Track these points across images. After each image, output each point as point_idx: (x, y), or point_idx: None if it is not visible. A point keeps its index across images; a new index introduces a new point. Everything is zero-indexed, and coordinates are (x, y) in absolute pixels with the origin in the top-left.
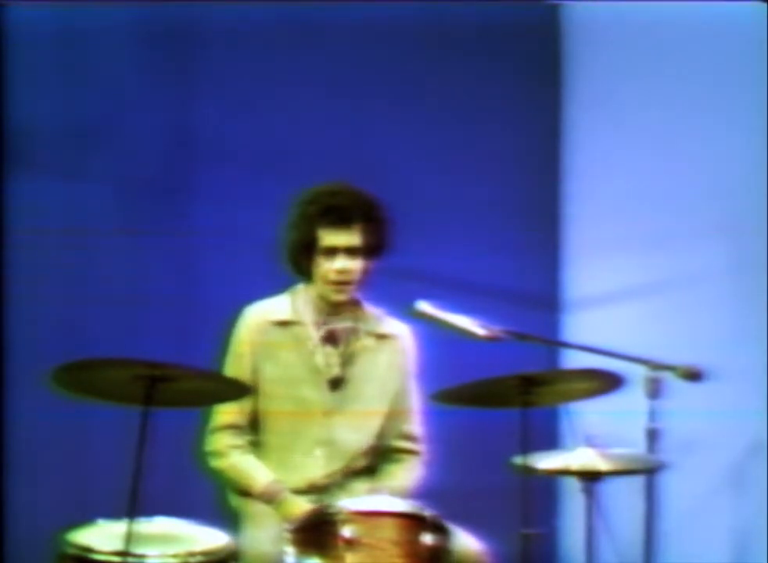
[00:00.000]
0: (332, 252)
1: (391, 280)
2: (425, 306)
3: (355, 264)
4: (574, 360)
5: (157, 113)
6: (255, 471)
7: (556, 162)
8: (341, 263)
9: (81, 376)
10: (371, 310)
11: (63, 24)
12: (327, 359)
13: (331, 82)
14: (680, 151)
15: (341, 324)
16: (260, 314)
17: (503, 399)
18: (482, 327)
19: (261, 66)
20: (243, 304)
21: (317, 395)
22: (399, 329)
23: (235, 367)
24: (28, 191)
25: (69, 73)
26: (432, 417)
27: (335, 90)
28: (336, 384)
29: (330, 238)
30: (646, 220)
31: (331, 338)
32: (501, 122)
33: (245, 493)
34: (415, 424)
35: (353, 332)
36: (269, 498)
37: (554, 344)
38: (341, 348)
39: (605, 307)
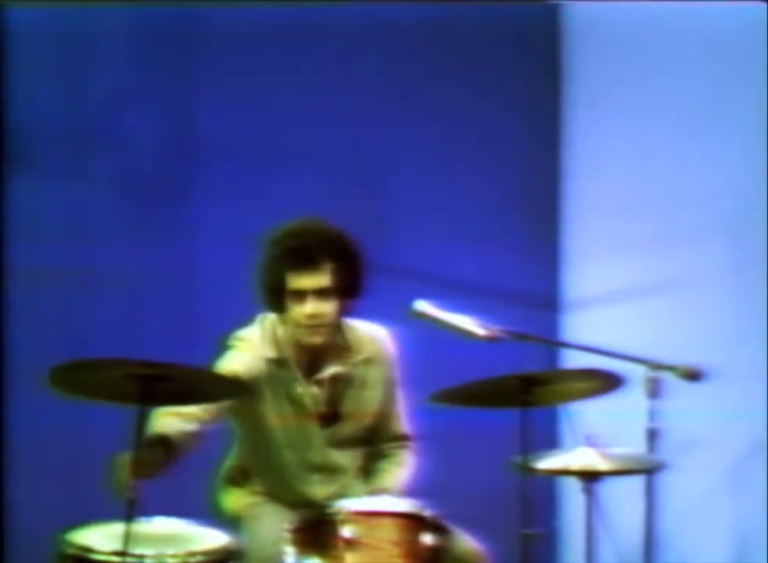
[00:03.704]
0: (301, 295)
1: (390, 280)
2: (424, 306)
3: (327, 307)
4: (574, 360)
5: (157, 113)
6: (160, 422)
7: (556, 162)
8: (311, 306)
9: (77, 376)
10: (352, 336)
11: (63, 25)
12: (314, 400)
13: (331, 82)
14: (680, 151)
15: (326, 373)
16: (257, 347)
17: (503, 399)
18: (482, 327)
19: (261, 66)
20: (242, 303)
21: (309, 430)
22: (380, 345)
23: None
24: (28, 191)
25: (69, 73)
26: (432, 417)
27: (334, 90)
28: (327, 419)
29: (297, 281)
30: (646, 219)
31: (318, 382)
32: (501, 122)
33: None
34: (403, 425)
35: (339, 376)
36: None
37: (554, 344)
38: (327, 389)
39: (605, 307)
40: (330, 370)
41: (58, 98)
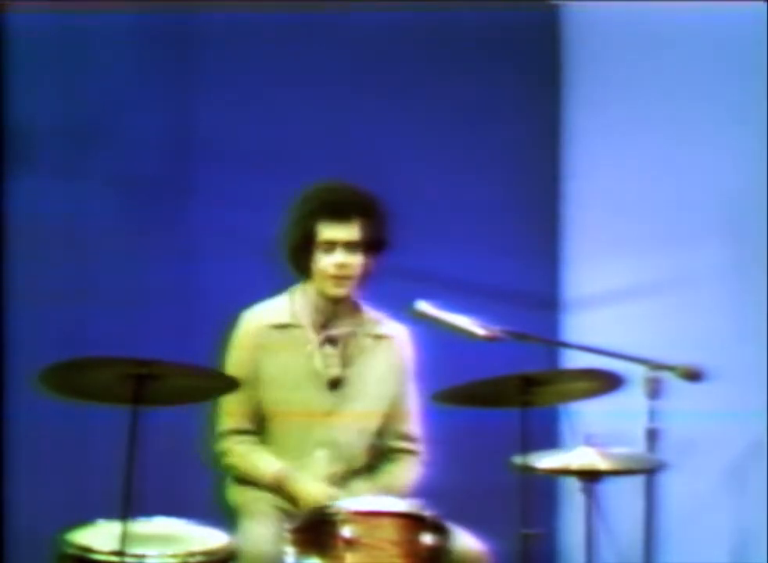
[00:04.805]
0: (331, 246)
1: (391, 280)
2: (424, 306)
3: (354, 259)
4: (574, 360)
5: (157, 113)
6: (263, 460)
7: (556, 162)
8: (340, 256)
9: (69, 377)
10: (370, 313)
11: (63, 24)
12: (326, 360)
13: (331, 82)
14: (679, 151)
15: (339, 329)
16: (258, 318)
17: (503, 399)
18: (482, 327)
19: (261, 66)
20: (242, 304)
21: (316, 396)
22: (396, 331)
23: (235, 371)
24: (28, 191)
25: (69, 73)
26: (432, 417)
27: (334, 90)
28: (335, 385)
29: (329, 232)
30: (646, 220)
31: (329, 340)
32: (501, 122)
33: (257, 482)
34: (413, 425)
35: (352, 335)
36: (279, 484)
37: (554, 344)
38: (339, 349)
39: (605, 307)
40: (342, 326)
41: (58, 98)
